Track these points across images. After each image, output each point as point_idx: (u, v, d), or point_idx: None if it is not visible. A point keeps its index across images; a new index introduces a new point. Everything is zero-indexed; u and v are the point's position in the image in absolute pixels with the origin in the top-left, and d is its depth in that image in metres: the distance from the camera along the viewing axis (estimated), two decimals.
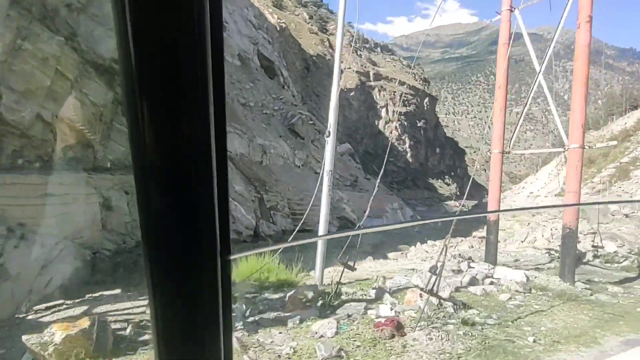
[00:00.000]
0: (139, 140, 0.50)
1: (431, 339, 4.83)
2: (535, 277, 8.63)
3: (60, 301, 6.73)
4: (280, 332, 5.00)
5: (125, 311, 5.89)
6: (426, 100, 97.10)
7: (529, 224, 24.62)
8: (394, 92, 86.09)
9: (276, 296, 6.52)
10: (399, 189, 68.57)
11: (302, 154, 36.79)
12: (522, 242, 17.88)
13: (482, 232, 25.33)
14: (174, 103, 0.49)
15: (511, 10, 10.96)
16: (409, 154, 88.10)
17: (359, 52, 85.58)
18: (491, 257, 10.56)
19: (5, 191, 14.18)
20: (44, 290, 12.72)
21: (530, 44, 11.11)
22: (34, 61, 16.45)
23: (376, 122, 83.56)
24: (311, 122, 43.61)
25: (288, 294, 6.28)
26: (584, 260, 11.44)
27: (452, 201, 76.79)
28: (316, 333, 4.98)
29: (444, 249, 5.75)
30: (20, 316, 6.34)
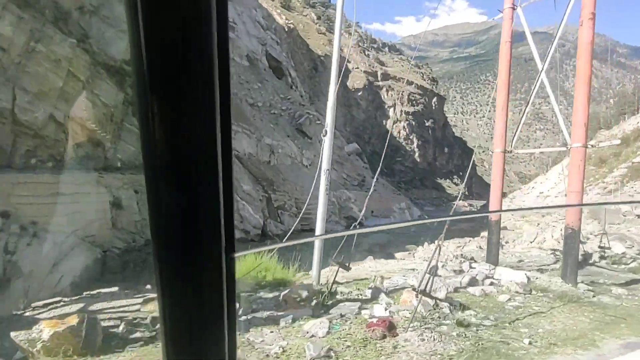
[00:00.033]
0: (150, 140, 0.50)
1: (423, 339, 4.76)
2: (537, 278, 8.50)
3: (58, 298, 6.82)
4: (272, 332, 4.99)
5: (120, 309, 5.90)
6: (434, 99, 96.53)
7: (538, 224, 24.34)
8: (402, 91, 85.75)
9: (271, 295, 6.50)
10: (406, 189, 68.27)
11: (310, 154, 36.87)
12: (532, 242, 17.69)
13: None
14: (183, 102, 0.50)
15: (514, 9, 10.85)
16: (417, 154, 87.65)
17: (366, 52, 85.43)
18: (493, 257, 10.45)
19: (18, 190, 14.47)
20: (55, 288, 12.95)
21: (532, 42, 10.98)
22: (46, 63, 16.77)
23: (384, 121, 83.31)
24: (319, 122, 43.67)
25: (282, 293, 6.27)
26: (590, 262, 11.26)
27: (460, 201, 76.25)
28: (307, 332, 4.95)
29: (437, 249, 5.69)
30: (18, 313, 6.43)
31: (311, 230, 27.38)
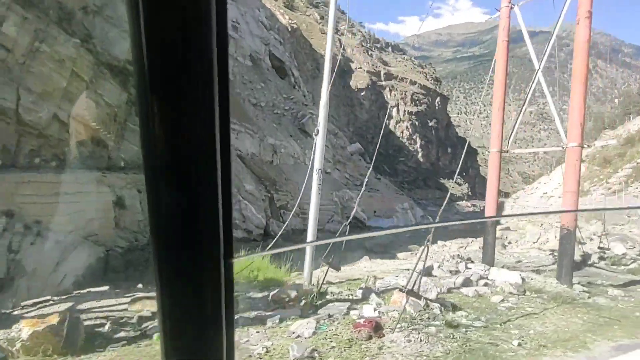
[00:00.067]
0: (150, 139, 0.51)
1: (410, 340, 4.70)
2: (532, 279, 8.45)
3: (47, 297, 6.84)
4: (258, 332, 4.96)
5: (108, 308, 5.90)
6: (438, 99, 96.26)
7: (541, 224, 24.23)
8: (405, 91, 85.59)
9: (260, 295, 6.46)
10: (409, 189, 68.14)
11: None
12: (534, 243, 17.61)
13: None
14: (183, 102, 0.50)
15: (511, 7, 10.80)
16: (420, 154, 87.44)
17: (369, 52, 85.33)
18: (488, 258, 10.39)
19: (22, 189, 14.57)
20: (58, 287, 13.03)
21: (529, 40, 10.93)
22: (50, 63, 16.87)
23: (387, 121, 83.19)
24: None
25: (271, 293, 6.24)
26: (589, 262, 11.20)
27: (464, 201, 75.95)
28: (293, 333, 4.93)
29: (425, 249, 5.66)
30: (7, 311, 6.44)
31: (317, 230, 27.37)
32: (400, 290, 6.10)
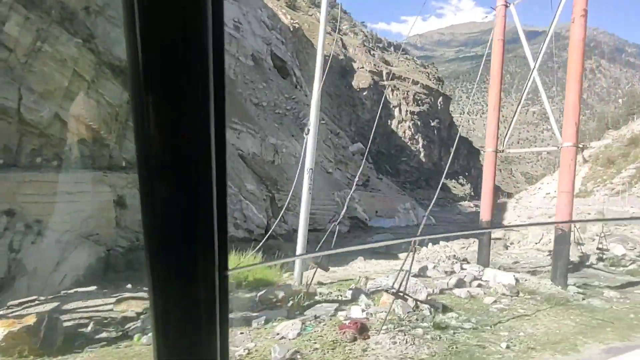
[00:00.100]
0: (145, 140, 0.51)
1: (395, 342, 4.63)
2: (526, 280, 8.37)
3: (34, 297, 6.82)
4: (242, 333, 4.89)
5: (94, 308, 5.87)
6: (440, 99, 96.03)
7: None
8: (407, 91, 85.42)
9: (248, 295, 6.40)
10: (411, 189, 68.00)
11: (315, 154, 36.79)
12: (537, 243, 17.50)
13: (496, 234, 24.90)
14: (178, 103, 0.50)
15: (506, 6, 10.72)
16: (422, 154, 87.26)
17: (372, 52, 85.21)
18: (483, 258, 10.31)
19: (23, 189, 14.60)
20: (59, 286, 13.05)
21: (524, 39, 10.84)
22: (52, 62, 16.91)
23: (389, 121, 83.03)
24: (323, 121, 43.63)
25: (259, 294, 6.18)
26: (587, 263, 11.12)
27: (466, 202, 75.70)
28: (278, 334, 4.88)
29: (412, 251, 5.60)
30: None
31: (314, 230, 27.30)
32: (386, 291, 6.05)
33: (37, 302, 6.41)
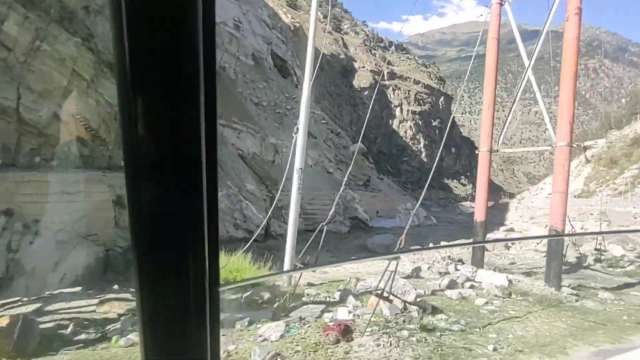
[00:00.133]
0: (132, 141, 0.50)
1: (379, 345, 4.55)
2: (519, 282, 8.28)
3: (17, 298, 6.76)
4: (224, 335, 4.84)
5: (76, 309, 5.83)
6: (441, 99, 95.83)
7: (545, 225, 23.94)
8: (409, 91, 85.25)
9: (234, 296, 6.31)
10: (413, 189, 67.84)
11: (315, 154, 36.75)
12: (538, 244, 17.38)
13: (497, 234, 24.77)
14: (166, 104, 0.49)
15: (501, 4, 10.59)
16: (423, 154, 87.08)
17: (372, 51, 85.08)
18: (477, 259, 10.19)
19: (22, 188, 14.57)
20: (58, 286, 13.00)
21: (519, 37, 10.72)
22: (51, 62, 16.87)
23: (390, 121, 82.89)
24: (324, 121, 43.57)
25: (244, 295, 6.10)
26: (584, 264, 11.01)
27: (468, 202, 75.45)
28: (260, 336, 4.81)
29: (398, 251, 5.49)
30: None
31: (314, 231, 27.22)
32: (370, 292, 5.95)
33: (19, 303, 6.36)
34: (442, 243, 20.84)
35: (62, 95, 17.18)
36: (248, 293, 6.12)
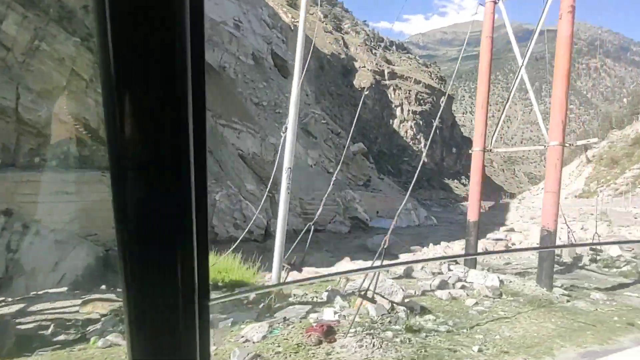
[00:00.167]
0: (117, 140, 0.48)
1: (362, 346, 4.49)
2: (511, 282, 8.21)
3: (2, 298, 6.73)
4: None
5: (60, 310, 5.77)
6: (442, 99, 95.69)
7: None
8: (409, 90, 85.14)
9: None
10: (413, 189, 67.78)
11: (315, 154, 36.71)
12: (538, 244, 17.34)
13: (498, 235, 24.72)
14: (152, 102, 0.48)
15: (495, 3, 10.51)
16: (424, 154, 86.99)
17: (373, 51, 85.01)
18: (470, 259, 10.13)
19: (21, 188, 14.58)
20: (57, 286, 12.99)
21: (512, 36, 10.66)
22: (50, 61, 16.87)
23: (391, 121, 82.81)
24: (324, 121, 43.52)
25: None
26: (580, 265, 10.94)
27: (468, 202, 75.34)
28: (242, 337, 4.76)
29: (382, 250, 5.45)
30: None
31: (315, 230, 27.17)
32: (353, 293, 5.90)
33: (3, 303, 6.33)
34: (442, 243, 20.80)
35: (61, 95, 17.18)
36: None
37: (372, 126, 76.93)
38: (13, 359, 4.33)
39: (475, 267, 9.54)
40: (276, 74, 45.00)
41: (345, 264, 11.67)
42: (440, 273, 8.63)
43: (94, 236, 16.32)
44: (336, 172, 8.20)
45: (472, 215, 10.77)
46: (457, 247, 19.67)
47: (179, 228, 0.52)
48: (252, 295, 5.81)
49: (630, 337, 5.42)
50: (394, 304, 5.76)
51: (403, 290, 6.34)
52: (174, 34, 0.47)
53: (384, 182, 46.25)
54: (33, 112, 16.12)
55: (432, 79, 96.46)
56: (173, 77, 0.48)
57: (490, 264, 10.87)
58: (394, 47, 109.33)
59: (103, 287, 8.31)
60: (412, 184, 6.45)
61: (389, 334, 4.96)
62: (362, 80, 75.24)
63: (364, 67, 78.04)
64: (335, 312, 5.53)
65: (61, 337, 4.89)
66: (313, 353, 4.39)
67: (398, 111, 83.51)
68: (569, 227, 10.04)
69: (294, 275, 6.85)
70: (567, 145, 8.72)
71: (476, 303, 6.64)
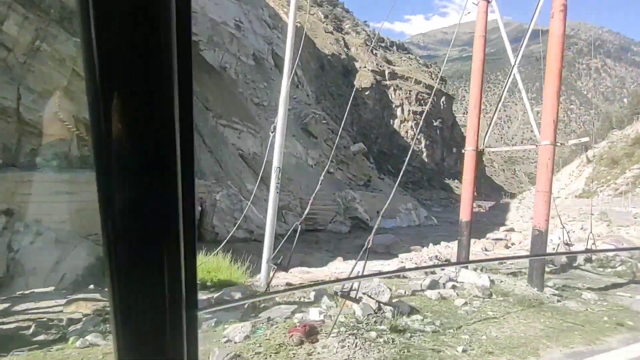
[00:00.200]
0: (101, 139, 0.48)
1: (344, 346, 4.49)
2: (502, 282, 8.18)
3: None
4: None
5: (44, 310, 5.70)
6: (443, 99, 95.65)
7: None
8: (410, 91, 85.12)
9: (206, 297, 6.20)
10: (414, 189, 67.77)
11: (315, 154, 36.75)
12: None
13: (498, 234, 24.73)
14: (136, 101, 0.47)
15: (488, 1, 10.46)
16: (424, 154, 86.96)
17: (374, 51, 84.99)
18: (463, 259, 10.10)
19: (22, 188, 14.62)
20: (58, 286, 13.02)
21: (505, 35, 10.62)
22: (51, 62, 16.91)
23: (391, 121, 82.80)
24: (325, 121, 43.53)
25: (215, 295, 6.02)
26: (574, 264, 10.93)
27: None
28: (225, 337, 4.75)
29: (365, 250, 5.44)
30: None
31: (316, 230, 27.20)
32: (336, 293, 5.88)
33: None
34: (442, 243, 20.82)
35: (62, 96, 17.23)
36: (219, 293, 6.04)
37: (373, 126, 76.95)
38: None
39: (467, 267, 9.53)
40: (277, 74, 45.03)
41: (338, 264, 11.67)
42: (433, 273, 8.63)
43: (94, 236, 16.36)
44: (324, 172, 8.12)
45: (464, 215, 10.75)
46: (457, 246, 19.71)
47: (166, 229, 0.52)
48: (237, 295, 5.79)
49: (619, 337, 5.40)
50: (381, 304, 5.74)
51: (391, 290, 6.33)
52: (159, 33, 0.47)
53: (384, 182, 46.26)
54: (34, 112, 16.17)
55: (433, 79, 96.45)
56: (159, 77, 0.48)
57: (487, 264, 10.87)
58: (394, 48, 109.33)
59: (92, 286, 8.27)
60: (399, 178, 6.37)
61: (373, 334, 4.95)
62: (363, 80, 75.27)
63: (365, 67, 78.05)
64: (320, 312, 5.51)
65: (41, 337, 4.84)
66: (294, 353, 4.38)
67: (398, 111, 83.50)
68: (564, 227, 10.01)
69: (281, 275, 6.83)
70: (558, 144, 8.68)
71: (465, 303, 6.62)
